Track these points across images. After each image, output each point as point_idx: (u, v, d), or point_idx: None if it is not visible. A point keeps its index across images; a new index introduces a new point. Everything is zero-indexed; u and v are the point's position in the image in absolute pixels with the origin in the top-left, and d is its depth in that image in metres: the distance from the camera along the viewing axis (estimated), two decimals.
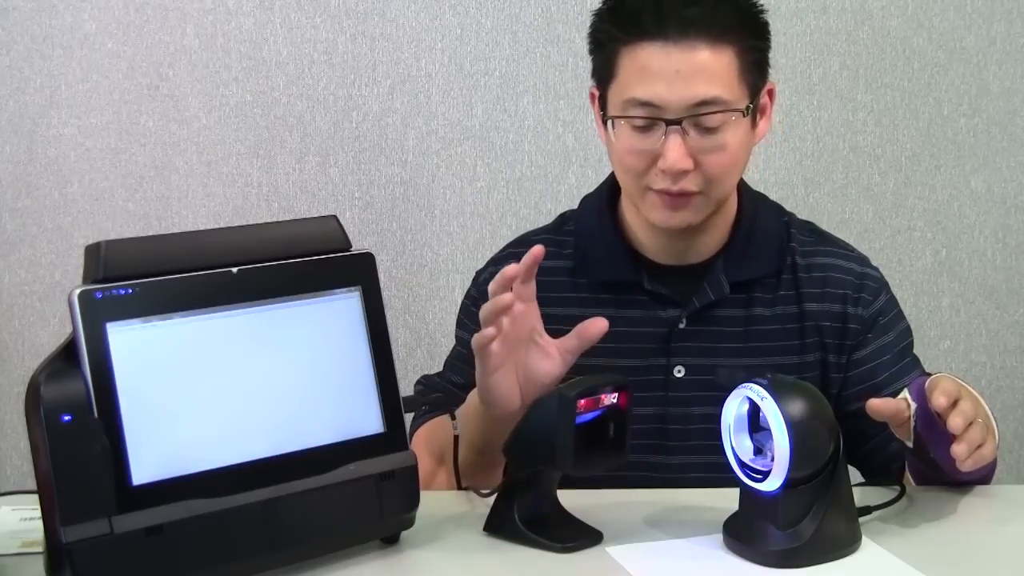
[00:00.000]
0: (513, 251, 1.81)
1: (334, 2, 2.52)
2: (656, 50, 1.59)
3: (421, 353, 2.58)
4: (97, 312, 1.26)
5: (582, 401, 1.40)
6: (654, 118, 1.60)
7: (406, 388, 1.46)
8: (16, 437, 2.53)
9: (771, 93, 1.68)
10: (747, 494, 1.42)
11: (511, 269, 1.52)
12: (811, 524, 1.38)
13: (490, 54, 2.55)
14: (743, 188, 1.76)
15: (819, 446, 1.38)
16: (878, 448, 1.71)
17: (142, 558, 1.26)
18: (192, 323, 1.32)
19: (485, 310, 1.52)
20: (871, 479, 1.71)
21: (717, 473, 1.53)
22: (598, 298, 1.75)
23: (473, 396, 1.60)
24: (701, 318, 1.72)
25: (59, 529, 1.23)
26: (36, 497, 1.26)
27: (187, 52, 2.50)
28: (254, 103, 2.52)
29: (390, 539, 1.45)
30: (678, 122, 1.59)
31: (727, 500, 1.46)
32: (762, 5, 1.68)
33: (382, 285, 1.43)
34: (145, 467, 1.27)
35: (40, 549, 1.30)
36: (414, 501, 1.44)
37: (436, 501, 1.53)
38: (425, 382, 1.83)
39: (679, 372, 1.72)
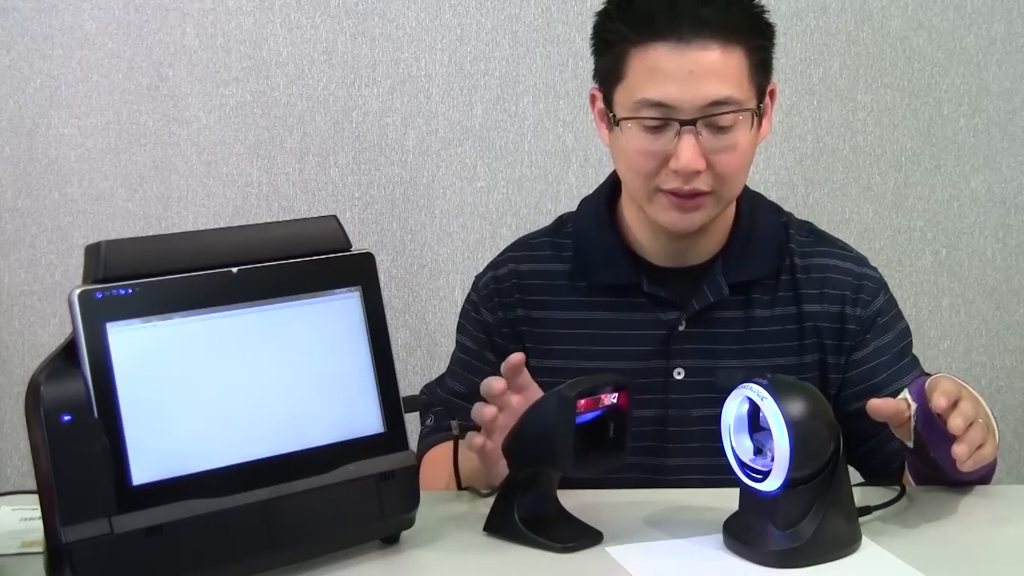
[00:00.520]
0: (512, 254, 1.81)
1: (334, 2, 2.52)
2: (668, 50, 1.59)
3: (421, 353, 2.58)
4: (97, 312, 1.26)
5: (582, 401, 1.40)
6: (667, 119, 1.60)
7: (406, 388, 1.46)
8: (16, 437, 2.53)
9: (772, 94, 1.69)
10: (747, 494, 1.42)
11: (497, 385, 1.51)
12: (811, 524, 1.38)
13: (490, 54, 2.55)
14: (742, 189, 1.76)
15: (819, 446, 1.38)
16: (878, 448, 1.71)
17: (142, 558, 1.26)
18: (192, 323, 1.32)
19: (474, 415, 1.52)
20: (871, 479, 1.71)
21: (717, 475, 1.53)
22: (597, 301, 1.75)
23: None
24: (700, 320, 1.72)
25: (59, 529, 1.23)
26: (36, 497, 1.26)
27: (187, 52, 2.50)
28: (254, 103, 2.52)
29: (390, 539, 1.45)
30: (692, 122, 1.59)
31: (727, 500, 1.46)
32: (765, 6, 1.68)
33: (382, 285, 1.43)
34: (145, 467, 1.27)
35: (40, 549, 1.30)
36: (414, 501, 1.44)
37: (436, 501, 1.54)
38: (428, 393, 1.83)
39: (679, 374, 1.72)
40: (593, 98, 1.71)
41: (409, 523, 1.45)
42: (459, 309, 1.87)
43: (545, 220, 1.88)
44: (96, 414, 1.25)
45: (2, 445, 2.55)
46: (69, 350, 1.26)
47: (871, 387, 1.70)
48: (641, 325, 1.73)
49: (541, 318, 1.77)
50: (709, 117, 1.59)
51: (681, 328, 1.72)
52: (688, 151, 1.59)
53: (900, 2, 2.60)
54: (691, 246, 1.73)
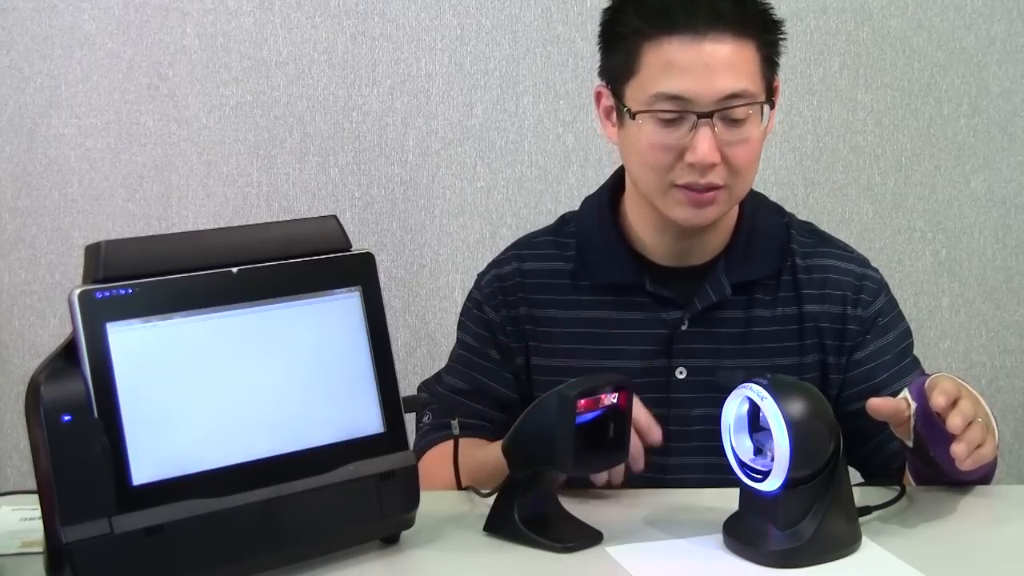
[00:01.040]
0: (516, 253, 1.81)
1: (334, 2, 2.52)
2: (683, 43, 1.59)
3: (421, 353, 2.58)
4: (97, 312, 1.26)
5: (582, 401, 1.40)
6: (684, 111, 1.60)
7: (406, 388, 1.46)
8: (16, 437, 2.53)
9: (777, 90, 1.69)
10: (747, 494, 1.42)
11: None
12: (811, 524, 1.38)
13: (490, 54, 2.55)
14: None
15: (819, 446, 1.38)
16: (878, 448, 1.71)
17: (142, 558, 1.26)
18: (192, 323, 1.32)
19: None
20: (871, 479, 1.71)
21: (718, 474, 1.53)
22: (600, 300, 1.75)
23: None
24: (703, 319, 1.72)
25: (59, 529, 1.23)
26: (36, 497, 1.26)
27: (187, 52, 2.50)
28: (254, 103, 2.52)
29: (390, 539, 1.45)
30: (709, 115, 1.60)
31: (727, 500, 1.46)
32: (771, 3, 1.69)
33: (382, 285, 1.43)
34: (145, 467, 1.27)
35: (40, 549, 1.30)
36: (414, 501, 1.44)
37: (436, 501, 1.53)
38: (426, 389, 1.83)
39: (681, 373, 1.72)
40: (599, 95, 1.71)
41: (409, 523, 1.45)
42: (459, 309, 1.86)
43: (545, 220, 1.88)
44: (96, 414, 1.25)
45: (2, 445, 2.55)
46: (69, 350, 1.26)
47: (872, 387, 1.70)
48: (643, 324, 1.73)
49: (544, 317, 1.77)
50: (725, 110, 1.60)
51: (683, 327, 1.72)
52: (705, 143, 1.60)
53: (900, 2, 2.60)
54: (694, 246, 1.73)
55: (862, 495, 1.50)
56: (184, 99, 2.51)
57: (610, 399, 1.42)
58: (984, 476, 1.60)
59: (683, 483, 1.68)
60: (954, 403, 1.43)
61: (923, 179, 2.65)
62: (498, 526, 1.47)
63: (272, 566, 1.36)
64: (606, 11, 1.69)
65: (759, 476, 1.38)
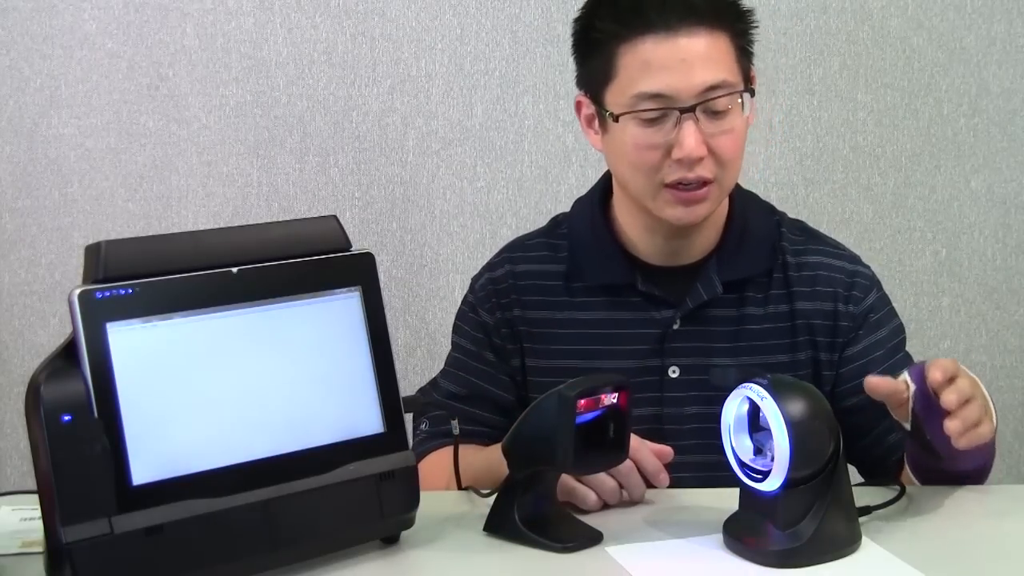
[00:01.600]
0: (508, 255, 1.82)
1: (334, 2, 2.52)
2: (658, 41, 1.61)
3: (421, 353, 2.58)
4: (97, 312, 1.26)
5: (582, 401, 1.40)
6: (666, 108, 1.61)
7: (406, 388, 1.46)
8: (16, 437, 2.53)
9: (754, 79, 1.70)
10: (747, 494, 1.42)
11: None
12: (811, 524, 1.38)
13: (490, 54, 2.55)
14: (735, 188, 1.76)
15: (819, 446, 1.38)
16: (875, 442, 1.71)
17: (142, 558, 1.26)
18: (192, 323, 1.32)
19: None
20: (869, 476, 1.71)
21: (713, 472, 1.54)
22: (592, 300, 1.76)
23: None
24: (695, 318, 1.73)
25: (59, 529, 1.23)
26: (36, 497, 1.26)
27: (187, 52, 2.50)
28: (254, 103, 2.52)
29: (390, 539, 1.45)
30: (692, 109, 1.61)
31: (727, 500, 1.46)
32: None
33: (382, 285, 1.43)
34: (145, 467, 1.27)
35: (40, 549, 1.30)
36: (414, 501, 1.44)
37: (436, 501, 1.53)
38: (422, 396, 1.83)
39: (674, 372, 1.73)
40: (579, 105, 1.73)
41: (409, 523, 1.45)
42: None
43: (545, 220, 1.88)
44: (96, 414, 1.25)
45: (2, 445, 2.55)
46: (69, 350, 1.26)
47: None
48: (636, 324, 1.74)
49: (538, 318, 1.77)
50: (706, 102, 1.61)
51: (676, 326, 1.73)
52: (691, 138, 1.61)
53: (900, 2, 2.60)
54: (685, 245, 1.73)
55: (862, 495, 1.50)
56: (184, 99, 2.51)
57: (610, 399, 1.42)
58: (981, 466, 1.59)
59: (678, 482, 1.68)
60: (951, 380, 1.44)
61: (923, 179, 2.65)
62: (498, 526, 1.47)
63: (272, 566, 1.36)
64: (577, 20, 1.71)
65: (759, 476, 1.38)
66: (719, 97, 1.61)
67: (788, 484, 1.37)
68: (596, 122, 1.70)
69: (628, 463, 1.51)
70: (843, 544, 1.41)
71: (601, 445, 1.44)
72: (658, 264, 1.75)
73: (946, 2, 2.60)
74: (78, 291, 1.26)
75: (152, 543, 1.26)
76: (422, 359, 2.57)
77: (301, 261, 1.39)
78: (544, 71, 2.55)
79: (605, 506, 1.54)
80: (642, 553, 1.42)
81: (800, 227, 1.81)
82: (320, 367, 1.39)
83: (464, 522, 1.51)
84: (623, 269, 1.75)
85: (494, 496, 1.50)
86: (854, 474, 1.60)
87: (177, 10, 2.49)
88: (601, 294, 1.75)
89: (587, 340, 1.75)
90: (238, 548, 1.32)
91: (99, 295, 1.27)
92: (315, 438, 1.37)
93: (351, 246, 1.43)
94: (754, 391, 1.38)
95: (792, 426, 1.35)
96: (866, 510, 1.48)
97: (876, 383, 1.48)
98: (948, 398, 1.42)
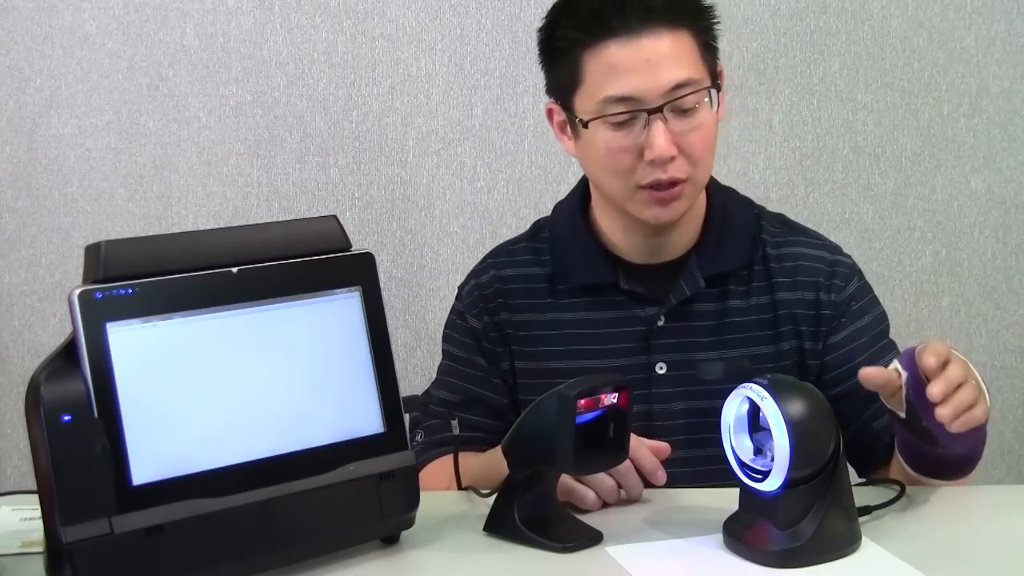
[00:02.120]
0: (493, 261, 1.85)
1: (334, 2, 2.52)
2: (621, 45, 1.62)
3: (421, 353, 2.58)
4: (97, 312, 1.26)
5: (582, 401, 1.40)
6: (634, 111, 1.62)
7: (406, 388, 1.46)
8: (16, 437, 2.53)
9: (721, 74, 1.71)
10: (747, 494, 1.42)
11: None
12: (811, 524, 1.38)
13: (490, 54, 2.55)
14: (712, 183, 1.78)
15: (819, 446, 1.38)
16: (863, 430, 1.72)
17: (142, 558, 1.26)
18: (192, 323, 1.32)
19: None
20: (857, 464, 1.72)
21: (702, 466, 1.58)
22: (577, 301, 1.77)
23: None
24: (679, 314, 1.74)
25: (59, 529, 1.23)
26: (36, 497, 1.26)
27: (187, 52, 2.50)
28: (254, 103, 2.52)
29: (390, 539, 1.45)
30: (659, 109, 1.62)
31: (727, 500, 1.46)
32: None
33: (382, 285, 1.43)
34: (145, 467, 1.27)
35: (40, 549, 1.30)
36: (414, 501, 1.44)
37: (436, 501, 1.54)
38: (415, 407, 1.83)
39: (661, 368, 1.73)
40: (550, 112, 1.75)
41: (409, 523, 1.45)
42: None
43: None
44: (96, 414, 1.25)
45: (2, 445, 2.55)
46: (69, 350, 1.26)
47: (849, 370, 1.71)
48: (621, 322, 1.75)
49: (524, 321, 1.79)
50: (674, 101, 1.62)
51: (660, 323, 1.74)
52: (660, 138, 1.62)
53: (900, 2, 2.60)
54: (665, 242, 1.75)
55: (862, 495, 1.50)
56: (184, 99, 2.51)
57: (610, 399, 1.43)
58: (972, 448, 1.58)
59: (670, 477, 1.67)
60: (944, 365, 1.43)
61: (923, 179, 2.65)
62: (498, 526, 1.47)
63: (272, 566, 1.36)
64: (541, 29, 1.74)
65: (759, 476, 1.38)
66: (686, 95, 1.62)
67: (788, 484, 1.37)
68: (568, 128, 1.72)
69: (626, 462, 1.52)
70: (843, 544, 1.41)
71: (601, 445, 1.44)
72: (640, 262, 1.76)
73: (946, 2, 2.60)
74: (78, 291, 1.26)
75: (152, 543, 1.26)
76: (422, 359, 2.57)
77: (301, 261, 1.39)
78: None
79: (604, 505, 1.54)
80: (642, 553, 1.42)
81: (780, 219, 1.83)
82: (320, 367, 1.39)
83: (464, 522, 1.51)
84: (606, 269, 1.76)
85: (494, 496, 1.50)
86: (854, 474, 1.60)
87: (177, 10, 2.49)
88: (585, 295, 1.77)
89: (574, 340, 1.76)
90: (238, 548, 1.32)
91: (99, 295, 1.27)
92: (315, 438, 1.37)
93: (351, 246, 1.43)
94: (754, 391, 1.38)
95: (792, 426, 1.35)
96: (866, 510, 1.48)
97: (870, 374, 1.49)
98: (933, 391, 1.42)
